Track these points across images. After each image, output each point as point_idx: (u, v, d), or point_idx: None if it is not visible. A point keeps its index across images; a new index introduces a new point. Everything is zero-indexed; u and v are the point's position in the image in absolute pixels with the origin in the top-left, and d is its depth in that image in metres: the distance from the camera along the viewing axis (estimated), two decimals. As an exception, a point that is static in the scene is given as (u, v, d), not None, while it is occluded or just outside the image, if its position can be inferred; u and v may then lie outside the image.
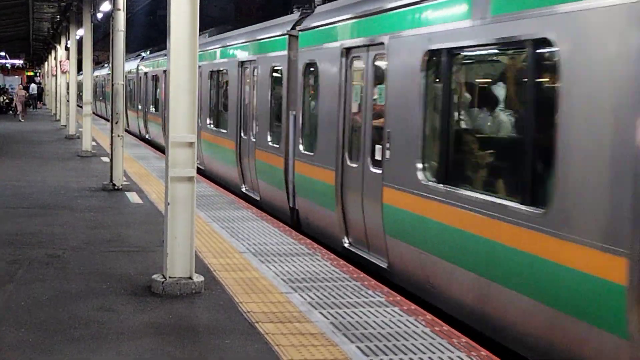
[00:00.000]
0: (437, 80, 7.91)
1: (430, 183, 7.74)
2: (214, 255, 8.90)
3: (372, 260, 9.12)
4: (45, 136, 28.36)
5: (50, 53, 45.26)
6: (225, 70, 16.70)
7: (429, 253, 7.73)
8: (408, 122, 8.17)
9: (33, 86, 57.15)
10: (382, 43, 8.84)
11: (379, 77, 9.15)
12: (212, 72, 17.77)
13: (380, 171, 8.80)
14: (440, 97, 7.79)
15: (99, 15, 24.82)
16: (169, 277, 7.33)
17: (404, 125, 8.28)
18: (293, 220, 11.99)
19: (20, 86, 47.06)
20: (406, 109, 8.23)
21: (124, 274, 8.03)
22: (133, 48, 39.86)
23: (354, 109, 9.88)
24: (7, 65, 69.32)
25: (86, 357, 5.62)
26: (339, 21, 10.34)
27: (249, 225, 10.84)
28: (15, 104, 42.14)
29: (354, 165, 9.67)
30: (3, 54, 61.88)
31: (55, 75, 37.91)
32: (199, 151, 18.03)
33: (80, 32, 25.17)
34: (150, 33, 53.63)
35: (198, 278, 7.43)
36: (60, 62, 34.02)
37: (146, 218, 11.40)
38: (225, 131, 16.15)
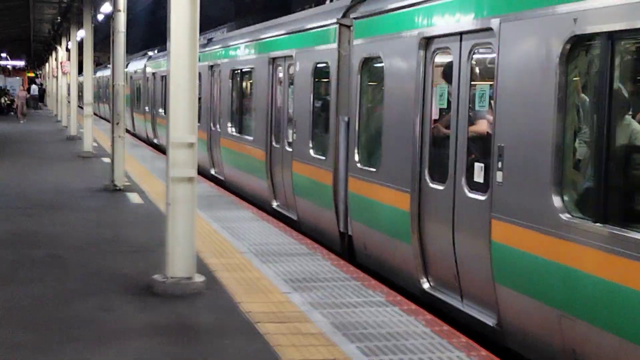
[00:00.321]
0: (589, 76, 5.90)
1: (578, 220, 5.69)
2: (214, 255, 8.90)
3: (471, 313, 7.10)
4: (46, 137, 28.38)
5: (51, 54, 45.33)
6: (250, 69, 14.56)
7: (576, 318, 5.65)
8: (537, 134, 6.13)
9: (34, 87, 57.26)
10: (488, 29, 6.83)
11: (480, 74, 7.40)
12: (233, 70, 15.76)
13: (484, 197, 6.82)
14: (596, 101, 5.69)
15: (100, 17, 24.88)
16: (170, 277, 7.34)
17: (529, 139, 6.24)
18: (344, 248, 10.04)
19: (21, 87, 47.18)
20: (533, 117, 6.20)
21: (124, 274, 8.04)
22: (134, 49, 39.88)
23: (437, 115, 7.95)
24: (8, 66, 69.40)
25: (86, 357, 5.63)
26: (414, 4, 8.24)
27: (250, 225, 10.84)
28: (17, 105, 42.27)
29: (439, 187, 7.65)
30: (4, 55, 61.97)
31: (56, 77, 37.95)
32: (218, 161, 16.94)
33: (81, 33, 25.21)
34: (152, 34, 53.73)
35: (199, 278, 7.44)
36: (61, 63, 34.07)
37: (147, 218, 11.40)
38: (251, 138, 14.12)
